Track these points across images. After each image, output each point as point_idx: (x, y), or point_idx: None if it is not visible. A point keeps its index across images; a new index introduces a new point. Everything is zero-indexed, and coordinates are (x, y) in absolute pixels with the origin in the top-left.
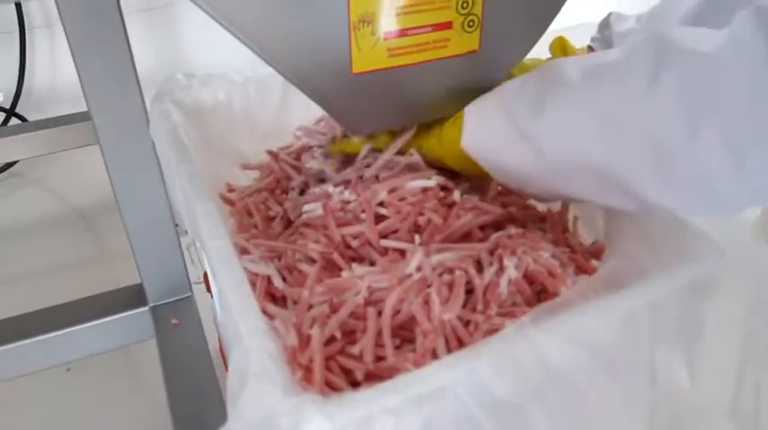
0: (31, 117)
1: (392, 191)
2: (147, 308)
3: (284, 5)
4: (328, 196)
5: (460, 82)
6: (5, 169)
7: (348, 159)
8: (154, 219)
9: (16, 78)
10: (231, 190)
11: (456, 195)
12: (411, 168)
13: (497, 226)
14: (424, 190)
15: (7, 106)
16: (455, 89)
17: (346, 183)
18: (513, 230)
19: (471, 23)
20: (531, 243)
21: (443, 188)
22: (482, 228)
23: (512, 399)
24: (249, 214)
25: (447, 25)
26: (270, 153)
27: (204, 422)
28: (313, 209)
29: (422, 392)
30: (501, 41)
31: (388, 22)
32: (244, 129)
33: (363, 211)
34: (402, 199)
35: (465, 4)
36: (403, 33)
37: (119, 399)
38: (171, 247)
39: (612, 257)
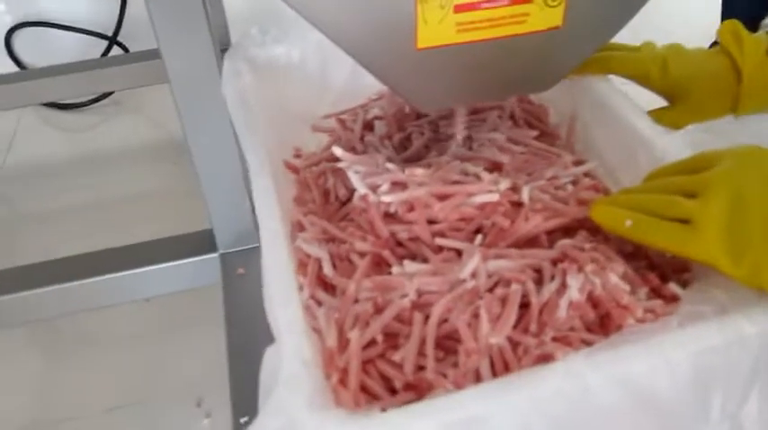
0: (132, 47)
1: (446, 198)
2: (216, 254)
3: None
4: (376, 187)
5: (540, 59)
6: (105, 97)
7: (408, 138)
8: (224, 169)
9: (118, 7)
10: (298, 155)
11: (525, 194)
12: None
13: (569, 230)
14: (484, 206)
15: (109, 34)
16: (534, 67)
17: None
18: (584, 238)
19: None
20: (602, 257)
21: (512, 188)
22: (552, 232)
23: None
24: (309, 187)
25: (524, 15)
26: (337, 119)
27: (256, 375)
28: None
29: (454, 419)
30: (588, 18)
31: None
32: (318, 89)
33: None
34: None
35: None
36: (475, 6)
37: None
38: (240, 198)
39: (697, 282)
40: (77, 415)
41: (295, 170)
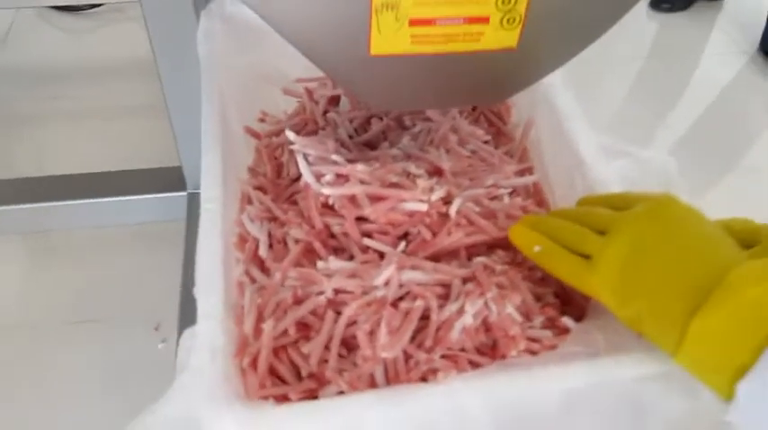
0: None
1: (377, 200)
2: (185, 193)
3: None
4: (323, 161)
5: (493, 76)
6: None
7: (369, 120)
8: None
9: None
10: (263, 120)
11: (453, 208)
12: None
13: (491, 245)
14: (412, 214)
15: None
16: (487, 81)
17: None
18: (500, 257)
19: (511, 20)
20: (507, 283)
21: (445, 198)
22: (474, 246)
23: None
24: (263, 158)
25: (483, 20)
26: (305, 88)
27: None
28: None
29: (335, 423)
30: (544, 42)
31: (414, 11)
32: (295, 51)
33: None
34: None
35: (507, 1)
36: (430, 22)
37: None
38: None
39: (592, 317)
40: (40, 325)
41: (256, 136)
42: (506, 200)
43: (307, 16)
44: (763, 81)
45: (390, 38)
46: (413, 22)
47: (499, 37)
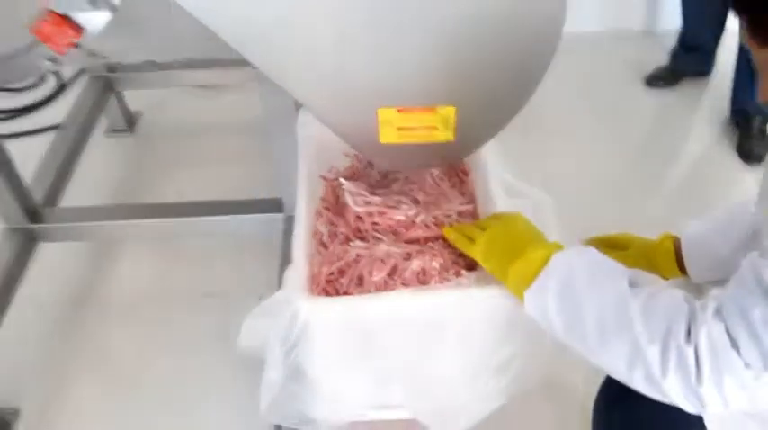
0: None
1: (382, 214)
2: (282, 215)
3: (342, 105)
4: (358, 195)
5: (445, 151)
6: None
7: (386, 175)
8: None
9: None
10: (330, 170)
11: (418, 220)
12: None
13: (438, 238)
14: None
15: None
16: (443, 154)
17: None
18: (440, 245)
19: (448, 126)
20: (438, 254)
21: (416, 214)
22: (429, 238)
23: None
24: (329, 191)
25: (434, 127)
26: (355, 155)
27: None
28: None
29: (348, 305)
30: (469, 135)
31: (399, 124)
32: None
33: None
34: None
35: (446, 120)
36: (408, 128)
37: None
38: None
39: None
40: (181, 298)
41: (326, 179)
42: (455, 217)
43: (347, 124)
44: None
45: (389, 135)
46: (399, 128)
47: (444, 135)
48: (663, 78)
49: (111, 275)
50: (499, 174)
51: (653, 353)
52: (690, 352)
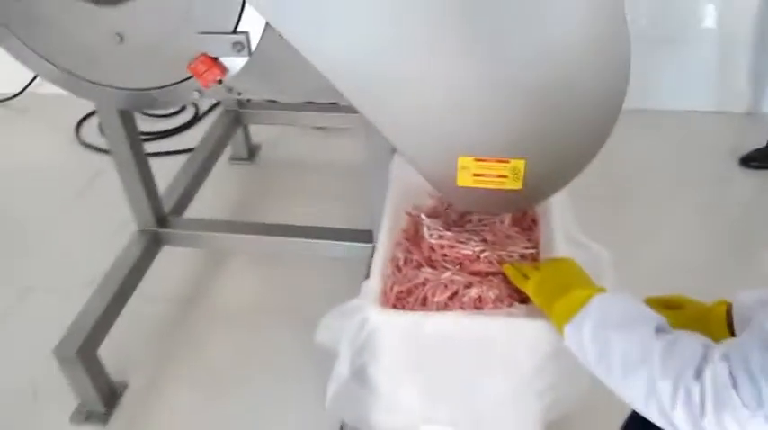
0: None
1: (452, 247)
2: (371, 245)
3: (430, 151)
4: (434, 229)
5: (515, 198)
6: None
7: (463, 215)
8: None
9: None
10: (415, 208)
11: (483, 256)
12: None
13: (497, 273)
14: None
15: None
16: (513, 201)
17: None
18: (496, 278)
19: (517, 176)
20: (495, 286)
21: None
22: (489, 272)
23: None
24: (412, 225)
25: (505, 176)
26: (437, 198)
27: None
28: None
29: (412, 319)
30: (536, 186)
31: (475, 171)
32: None
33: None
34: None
35: (516, 171)
36: (482, 175)
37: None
38: None
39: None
40: (276, 309)
41: (410, 215)
42: (516, 258)
43: (432, 168)
44: None
45: (465, 179)
46: (475, 174)
47: (513, 183)
48: (758, 159)
49: (219, 282)
50: (564, 226)
51: (665, 388)
52: (696, 389)
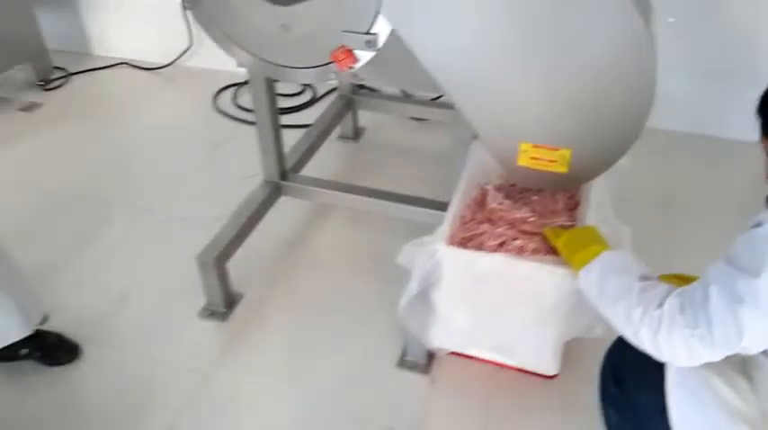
0: None
1: (507, 211)
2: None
3: (500, 136)
4: (496, 196)
5: (563, 178)
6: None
7: (522, 192)
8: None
9: None
10: (486, 183)
11: (530, 220)
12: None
13: (538, 233)
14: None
15: None
16: (561, 180)
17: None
18: (536, 238)
19: (564, 162)
20: (537, 242)
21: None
22: (533, 232)
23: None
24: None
25: (554, 161)
26: (505, 177)
27: None
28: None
29: (473, 256)
30: (580, 171)
31: (532, 155)
32: None
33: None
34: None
35: (563, 157)
36: (537, 158)
37: None
38: None
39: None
40: (363, 258)
41: (480, 186)
42: (556, 226)
43: (501, 150)
44: None
45: (524, 160)
46: (532, 157)
47: (560, 167)
48: None
49: (320, 231)
50: (597, 208)
51: (636, 313)
52: (656, 313)
